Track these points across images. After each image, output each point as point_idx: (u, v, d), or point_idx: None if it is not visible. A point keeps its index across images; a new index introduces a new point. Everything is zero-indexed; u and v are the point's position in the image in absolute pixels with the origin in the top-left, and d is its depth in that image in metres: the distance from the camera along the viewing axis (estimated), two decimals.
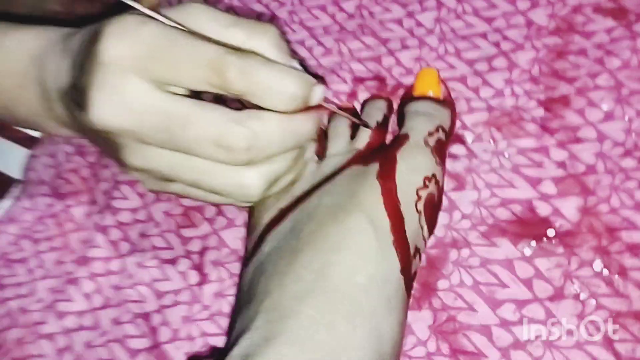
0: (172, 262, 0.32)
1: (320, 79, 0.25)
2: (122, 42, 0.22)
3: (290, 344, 0.21)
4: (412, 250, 0.25)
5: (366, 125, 0.29)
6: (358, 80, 0.34)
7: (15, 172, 0.38)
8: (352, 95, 0.34)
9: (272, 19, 0.38)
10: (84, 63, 0.24)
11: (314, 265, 0.23)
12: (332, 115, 0.33)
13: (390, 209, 0.25)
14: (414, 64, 0.34)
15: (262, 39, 0.24)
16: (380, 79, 0.34)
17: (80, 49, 0.25)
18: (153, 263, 0.32)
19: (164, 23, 0.23)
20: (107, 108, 0.23)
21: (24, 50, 0.29)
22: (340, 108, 0.33)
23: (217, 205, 0.32)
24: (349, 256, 0.23)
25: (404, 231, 0.25)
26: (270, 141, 0.23)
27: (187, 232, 0.32)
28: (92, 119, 0.23)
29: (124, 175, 0.35)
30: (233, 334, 0.23)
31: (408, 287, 0.25)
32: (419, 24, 0.35)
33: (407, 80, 0.34)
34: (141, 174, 0.25)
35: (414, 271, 0.26)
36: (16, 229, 0.36)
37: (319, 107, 0.25)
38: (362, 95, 0.34)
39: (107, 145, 0.25)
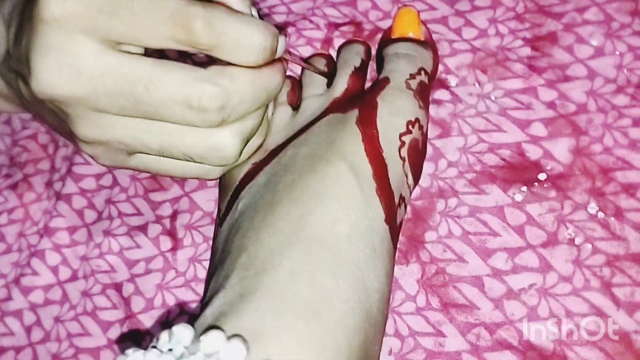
0: (142, 228, 0.30)
1: (280, 29, 0.23)
2: None
3: (267, 298, 0.19)
4: (396, 199, 0.24)
5: (326, 75, 0.27)
6: (332, 25, 0.32)
7: None
8: (327, 42, 0.32)
9: None
10: (21, 26, 0.21)
11: (292, 216, 0.21)
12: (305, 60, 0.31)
13: (372, 156, 0.23)
14: (392, 6, 0.32)
15: None
16: (356, 24, 0.32)
17: (15, 10, 0.22)
18: (121, 231, 0.30)
19: None
20: (53, 74, 0.20)
21: None
22: (314, 55, 0.31)
23: (181, 179, 0.30)
24: (330, 205, 0.21)
25: (388, 178, 0.23)
26: (242, 98, 0.21)
27: (156, 196, 0.30)
28: (36, 87, 0.20)
29: None
30: (207, 296, 0.21)
31: (394, 237, 0.23)
32: None
33: (385, 25, 0.31)
34: (96, 148, 0.23)
35: (400, 221, 0.24)
36: None
37: (283, 58, 0.23)
38: (338, 42, 0.32)
39: (55, 118, 0.23)
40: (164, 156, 0.23)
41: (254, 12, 0.23)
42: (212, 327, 0.18)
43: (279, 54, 0.23)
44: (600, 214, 0.25)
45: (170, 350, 0.17)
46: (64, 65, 0.20)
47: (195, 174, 0.24)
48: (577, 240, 0.24)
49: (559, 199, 0.25)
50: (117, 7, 0.20)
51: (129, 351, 0.17)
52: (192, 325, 0.18)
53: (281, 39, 0.22)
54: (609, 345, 0.22)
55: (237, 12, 0.21)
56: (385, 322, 0.22)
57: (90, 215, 0.31)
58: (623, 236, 0.24)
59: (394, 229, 0.23)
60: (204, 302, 0.21)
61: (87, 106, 0.21)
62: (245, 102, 0.22)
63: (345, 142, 0.23)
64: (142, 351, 0.17)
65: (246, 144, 0.24)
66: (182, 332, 0.17)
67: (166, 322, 0.27)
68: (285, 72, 0.24)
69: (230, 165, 0.24)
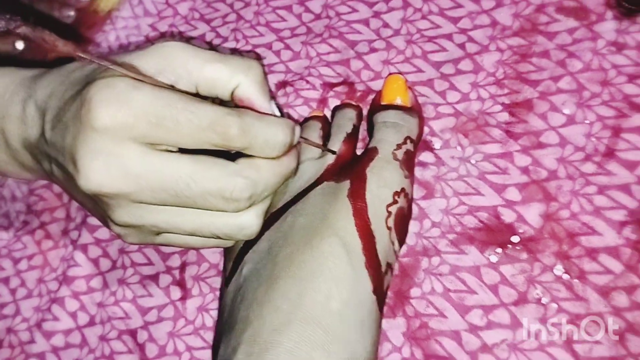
0: (154, 278, 0.32)
1: (294, 120, 0.26)
2: (116, 110, 0.22)
3: None
4: (383, 268, 0.26)
5: (333, 153, 0.30)
6: (327, 85, 0.35)
7: None
8: (322, 101, 0.34)
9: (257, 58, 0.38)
10: (61, 119, 0.24)
11: (290, 294, 0.24)
12: (302, 124, 0.33)
13: (362, 230, 0.26)
14: (382, 66, 0.34)
15: (247, 75, 0.25)
16: (349, 84, 0.34)
17: (52, 100, 0.25)
18: (134, 279, 0.33)
19: (154, 85, 0.23)
20: (101, 175, 0.22)
21: None
22: (311, 117, 0.34)
23: (196, 249, 0.33)
24: (324, 283, 0.24)
25: (376, 251, 0.26)
26: (266, 186, 0.25)
27: (165, 248, 0.33)
28: (85, 185, 0.23)
29: None
30: None
31: (380, 304, 0.26)
32: (386, 25, 0.35)
33: (376, 85, 0.34)
34: (127, 230, 0.25)
35: (387, 286, 0.27)
36: None
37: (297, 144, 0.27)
38: (332, 101, 0.34)
39: (91, 203, 0.25)
40: (194, 236, 0.25)
41: (274, 105, 0.26)
42: None
43: (294, 142, 0.26)
44: (566, 276, 0.28)
45: None
46: (112, 167, 0.22)
47: (213, 245, 0.27)
48: (544, 300, 0.27)
49: (529, 261, 0.28)
50: (163, 118, 0.22)
51: None
52: None
53: (297, 129, 0.26)
54: None
55: (263, 114, 0.25)
56: None
57: (105, 264, 0.34)
58: (585, 297, 0.27)
59: (381, 297, 0.26)
60: None
61: (129, 199, 0.23)
62: (269, 188, 0.25)
63: (337, 216, 0.26)
64: None
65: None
66: None
67: None
68: (299, 155, 0.27)
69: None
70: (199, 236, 0.25)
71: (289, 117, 0.35)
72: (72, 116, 0.23)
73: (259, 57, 0.36)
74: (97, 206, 0.25)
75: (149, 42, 0.40)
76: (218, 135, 0.23)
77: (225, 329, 0.25)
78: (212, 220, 0.25)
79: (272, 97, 0.26)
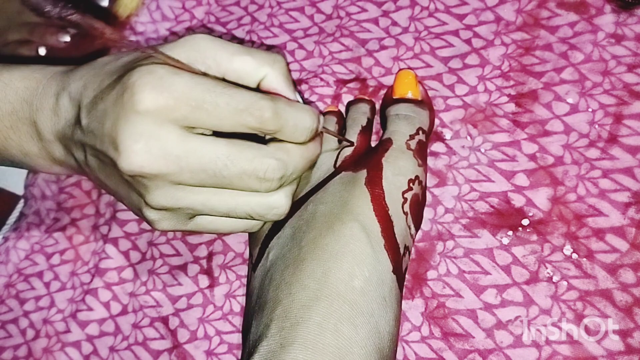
0: (182, 268, 0.34)
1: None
2: (159, 94, 0.23)
3: (303, 349, 0.23)
4: (402, 250, 0.28)
5: (351, 144, 0.32)
6: (341, 82, 0.36)
7: (18, 189, 0.40)
8: (336, 97, 0.36)
9: (277, 50, 0.39)
10: (96, 105, 0.25)
11: (316, 274, 0.26)
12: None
13: (380, 215, 0.28)
14: (392, 63, 0.36)
15: (273, 68, 0.26)
16: (361, 80, 0.36)
17: (87, 91, 0.26)
18: (164, 270, 0.34)
19: (193, 72, 0.25)
20: (143, 156, 0.24)
21: (11, 92, 0.30)
22: (326, 112, 0.35)
23: (223, 235, 0.35)
24: (347, 264, 0.26)
25: (394, 234, 0.28)
26: (295, 168, 0.27)
27: (192, 239, 0.35)
28: (126, 166, 0.24)
29: None
30: (250, 339, 0.26)
31: (400, 283, 0.28)
32: (395, 23, 0.37)
33: (387, 80, 0.36)
34: (162, 214, 0.27)
35: (405, 267, 0.29)
36: (26, 244, 0.38)
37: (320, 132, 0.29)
38: (346, 97, 0.36)
39: (126, 189, 0.27)
40: (228, 217, 0.27)
41: (297, 95, 0.28)
42: None
43: (319, 130, 0.28)
44: (574, 255, 0.29)
45: None
46: (153, 149, 0.24)
47: (241, 229, 0.29)
48: (555, 278, 0.29)
49: (540, 242, 0.30)
50: (203, 102, 0.24)
51: None
52: None
53: (321, 117, 0.27)
54: None
55: (293, 101, 0.26)
56: (395, 357, 0.27)
57: (135, 256, 0.35)
58: (593, 274, 0.29)
59: (401, 276, 0.28)
60: (249, 347, 0.25)
61: (169, 180, 0.25)
62: (297, 171, 0.27)
63: (356, 202, 0.28)
64: None
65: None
66: None
67: (208, 351, 0.32)
68: (321, 144, 0.29)
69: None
70: (233, 217, 0.27)
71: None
72: (112, 102, 0.24)
73: (281, 52, 0.38)
74: (132, 192, 0.26)
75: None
76: (254, 118, 0.24)
77: (256, 310, 0.27)
78: (247, 200, 0.26)
79: (296, 88, 0.28)
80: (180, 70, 0.24)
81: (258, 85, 0.27)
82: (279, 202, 0.27)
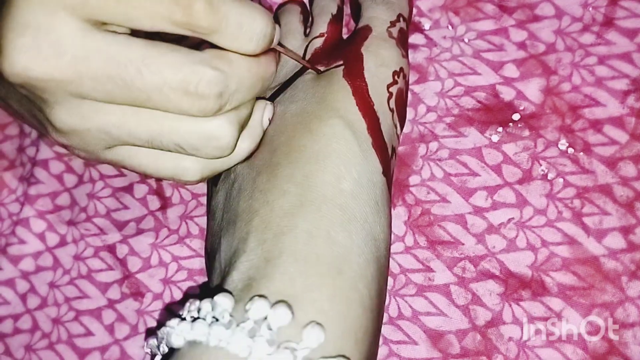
0: (127, 189, 0.30)
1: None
2: None
3: (292, 261, 0.20)
4: (389, 150, 0.25)
5: (318, 71, 0.26)
6: None
7: None
8: None
9: None
10: None
11: (296, 177, 0.22)
12: (278, 10, 0.30)
13: (365, 110, 0.24)
14: None
15: None
16: None
17: None
18: (105, 193, 0.30)
19: None
20: (30, 55, 0.18)
21: None
22: (288, 2, 0.31)
23: (158, 180, 0.29)
24: (331, 164, 0.22)
25: (381, 131, 0.24)
26: (240, 86, 0.21)
27: None
28: (9, 69, 0.18)
29: None
30: (220, 259, 0.22)
31: (389, 187, 0.24)
32: None
33: None
34: (72, 139, 0.21)
35: (392, 171, 0.25)
36: None
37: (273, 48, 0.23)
38: None
39: (26, 105, 0.21)
40: (152, 147, 0.21)
41: None
42: (257, 295, 0.19)
43: (274, 43, 0.22)
44: (570, 150, 0.27)
45: (216, 319, 0.18)
46: (43, 46, 0.18)
47: (171, 172, 0.23)
48: (550, 176, 0.26)
49: (532, 138, 0.27)
50: None
51: (173, 322, 0.18)
52: (223, 289, 0.19)
53: (277, 28, 0.22)
54: (581, 269, 0.25)
55: None
56: (389, 267, 0.24)
57: (70, 180, 0.30)
58: (591, 169, 0.26)
59: (389, 180, 0.24)
60: (223, 266, 0.21)
61: (67, 91, 0.19)
62: (243, 90, 0.21)
63: (336, 97, 0.24)
64: (188, 322, 0.17)
65: (239, 135, 0.22)
66: (226, 301, 0.18)
67: (165, 279, 0.28)
68: (278, 62, 0.23)
69: (215, 168, 0.23)
70: (159, 149, 0.21)
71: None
72: None
73: None
74: (35, 110, 0.21)
75: None
76: (179, 8, 0.18)
77: (224, 227, 0.23)
78: (174, 125, 0.20)
79: None
80: None
81: None
82: (219, 131, 0.21)
